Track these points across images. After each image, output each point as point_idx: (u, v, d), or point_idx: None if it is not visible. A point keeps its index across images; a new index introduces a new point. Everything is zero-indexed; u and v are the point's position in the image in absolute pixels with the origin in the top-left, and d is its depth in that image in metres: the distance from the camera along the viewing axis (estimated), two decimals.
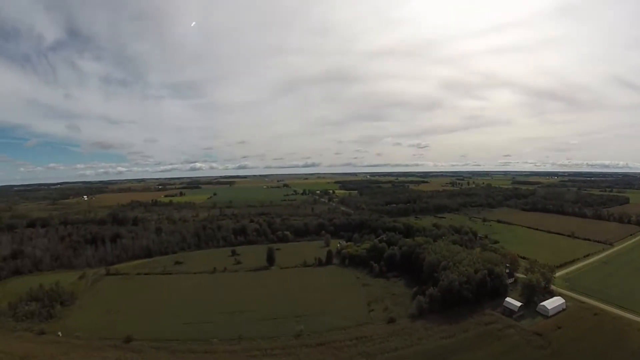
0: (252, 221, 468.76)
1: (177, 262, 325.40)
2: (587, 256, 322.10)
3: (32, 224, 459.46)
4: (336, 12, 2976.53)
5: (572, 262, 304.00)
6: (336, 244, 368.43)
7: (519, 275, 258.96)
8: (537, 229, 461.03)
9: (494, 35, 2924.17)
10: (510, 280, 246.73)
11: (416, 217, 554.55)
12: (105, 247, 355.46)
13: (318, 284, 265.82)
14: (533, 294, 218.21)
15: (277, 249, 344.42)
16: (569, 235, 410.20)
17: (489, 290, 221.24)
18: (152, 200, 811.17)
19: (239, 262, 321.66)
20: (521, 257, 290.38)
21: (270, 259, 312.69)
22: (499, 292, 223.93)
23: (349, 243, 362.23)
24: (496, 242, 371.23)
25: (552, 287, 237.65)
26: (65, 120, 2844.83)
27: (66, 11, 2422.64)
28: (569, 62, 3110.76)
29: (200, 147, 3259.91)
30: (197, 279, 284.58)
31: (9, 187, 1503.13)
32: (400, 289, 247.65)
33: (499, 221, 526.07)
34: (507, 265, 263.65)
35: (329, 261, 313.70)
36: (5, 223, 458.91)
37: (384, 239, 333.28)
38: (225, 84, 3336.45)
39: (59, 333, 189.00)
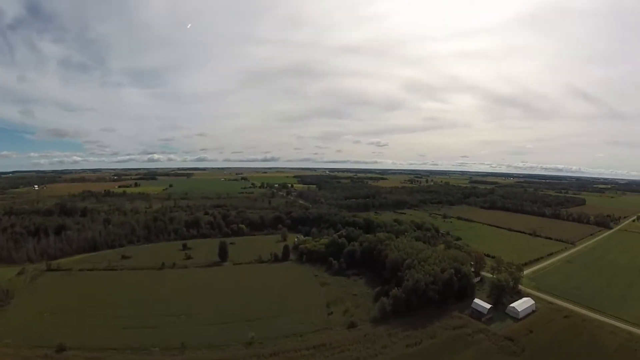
0: (206, 213, 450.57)
1: (123, 257, 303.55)
2: (550, 255, 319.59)
3: None
4: (307, 5, 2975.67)
5: (537, 260, 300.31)
6: (293, 238, 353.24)
7: (485, 274, 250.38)
8: (498, 227, 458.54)
9: (461, 40, 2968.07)
10: (476, 280, 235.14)
11: (376, 213, 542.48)
12: (48, 240, 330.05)
13: (273, 282, 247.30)
14: (502, 295, 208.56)
15: (232, 243, 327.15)
16: (530, 234, 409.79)
17: (455, 291, 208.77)
18: (105, 190, 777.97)
19: (189, 257, 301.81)
20: (486, 256, 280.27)
21: (223, 254, 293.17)
22: (466, 293, 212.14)
23: (306, 238, 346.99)
24: (458, 239, 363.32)
25: (520, 287, 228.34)
26: (20, 105, 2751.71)
27: None
28: (531, 71, 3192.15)
29: (158, 137, 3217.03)
30: (143, 275, 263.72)
31: None
32: (361, 289, 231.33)
33: (459, 218, 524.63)
34: (472, 263, 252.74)
35: (285, 257, 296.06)
36: None
37: (344, 234, 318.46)
38: (189, 72, 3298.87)
39: None
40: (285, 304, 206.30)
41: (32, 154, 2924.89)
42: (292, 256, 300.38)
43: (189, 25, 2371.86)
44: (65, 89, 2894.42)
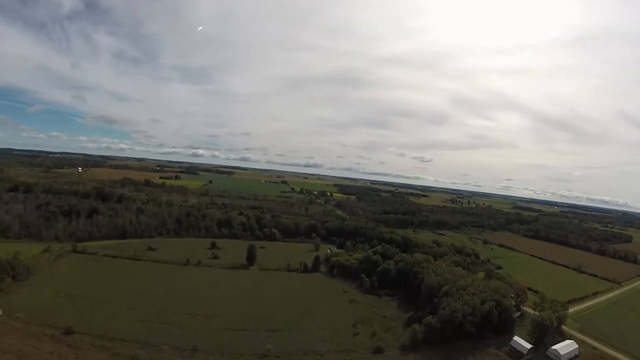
0: (240, 214, 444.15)
1: (150, 248, 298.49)
2: (595, 294, 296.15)
3: (14, 188, 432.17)
4: (353, 14, 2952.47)
5: (581, 299, 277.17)
6: (326, 249, 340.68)
7: (527, 309, 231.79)
8: (541, 259, 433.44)
9: (508, 55, 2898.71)
10: (517, 315, 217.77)
11: (414, 231, 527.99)
12: (78, 222, 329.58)
13: (299, 293, 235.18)
14: (544, 335, 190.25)
15: (261, 247, 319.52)
16: (575, 269, 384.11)
17: (494, 325, 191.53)
18: (145, 180, 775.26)
19: (216, 257, 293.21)
20: (529, 289, 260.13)
21: (251, 258, 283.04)
22: (505, 328, 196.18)
23: (339, 250, 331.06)
24: (499, 267, 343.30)
25: (563, 327, 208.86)
26: (72, 91, 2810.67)
27: None
28: (580, 93, 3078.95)
29: (204, 133, 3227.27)
30: (166, 269, 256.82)
31: (9, 151, 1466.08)
32: (392, 311, 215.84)
33: (501, 245, 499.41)
34: (513, 296, 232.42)
35: (315, 268, 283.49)
36: None
37: (379, 250, 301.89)
38: (235, 73, 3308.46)
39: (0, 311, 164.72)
40: (309, 318, 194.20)
41: (81, 138, 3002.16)
42: (322, 268, 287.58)
43: (200, 28, 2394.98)
44: (116, 80, 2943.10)
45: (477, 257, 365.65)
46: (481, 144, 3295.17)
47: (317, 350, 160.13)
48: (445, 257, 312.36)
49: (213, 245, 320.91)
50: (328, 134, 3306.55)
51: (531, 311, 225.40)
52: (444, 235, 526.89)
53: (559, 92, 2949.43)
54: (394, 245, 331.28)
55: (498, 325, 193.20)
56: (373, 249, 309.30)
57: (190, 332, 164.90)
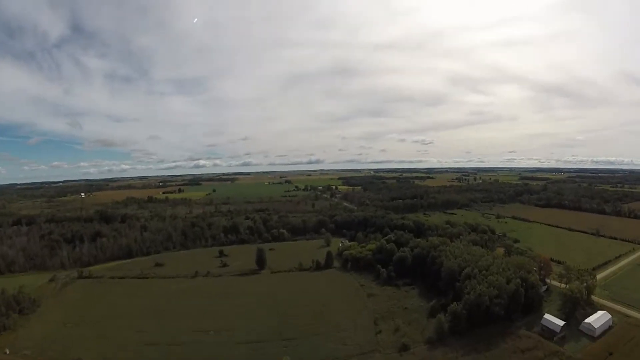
0: (247, 218, 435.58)
1: (157, 264, 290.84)
2: (618, 257, 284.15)
3: (17, 222, 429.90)
4: (341, 4, 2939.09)
5: (605, 264, 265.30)
6: (337, 243, 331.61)
7: (552, 282, 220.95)
8: (557, 227, 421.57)
9: (502, 28, 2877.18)
10: (543, 289, 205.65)
11: (425, 214, 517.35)
12: (82, 247, 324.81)
13: (314, 293, 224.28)
14: (575, 308, 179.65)
15: (271, 249, 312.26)
16: (593, 234, 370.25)
17: (521, 304, 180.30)
18: (148, 197, 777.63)
19: (225, 265, 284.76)
20: (552, 260, 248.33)
21: (261, 262, 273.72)
22: (533, 306, 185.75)
23: (352, 243, 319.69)
24: (516, 241, 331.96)
25: (593, 297, 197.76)
26: (69, 118, 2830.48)
27: (70, 6, 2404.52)
28: (579, 58, 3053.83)
29: (203, 144, 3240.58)
30: (174, 284, 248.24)
31: (12, 186, 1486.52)
32: (413, 301, 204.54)
33: (514, 217, 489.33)
34: (537, 270, 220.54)
35: (328, 264, 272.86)
36: None
37: (392, 238, 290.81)
38: (229, 79, 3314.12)
39: (6, 350, 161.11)
40: (326, 320, 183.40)
41: (82, 164, 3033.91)
42: (335, 263, 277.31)
43: (195, 19, 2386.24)
44: (111, 101, 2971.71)
45: (493, 232, 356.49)
46: (481, 120, 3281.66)
47: (337, 356, 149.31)
48: (461, 237, 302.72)
49: (221, 254, 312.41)
50: (327, 129, 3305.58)
51: (557, 284, 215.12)
52: (455, 214, 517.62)
53: (556, 59, 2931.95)
54: (406, 231, 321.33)
55: (525, 303, 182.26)
56: (386, 238, 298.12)
57: (203, 351, 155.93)
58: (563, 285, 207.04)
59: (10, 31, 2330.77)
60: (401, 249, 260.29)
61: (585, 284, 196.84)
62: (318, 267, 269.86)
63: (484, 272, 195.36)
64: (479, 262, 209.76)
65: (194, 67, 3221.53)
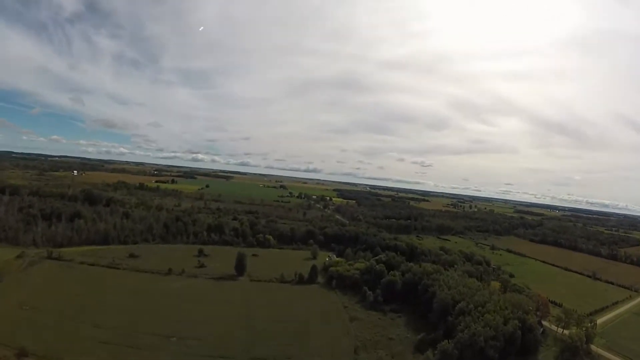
0: (234, 218, 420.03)
1: (131, 255, 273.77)
2: (615, 304, 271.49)
3: (1, 190, 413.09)
4: (355, 18, 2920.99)
5: (602, 310, 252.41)
6: (325, 257, 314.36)
7: (547, 324, 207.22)
8: (553, 265, 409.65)
9: (508, 59, 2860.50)
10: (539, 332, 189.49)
11: (418, 236, 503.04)
12: (58, 226, 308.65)
13: (293, 309, 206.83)
14: (574, 357, 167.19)
15: (254, 255, 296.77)
16: (589, 276, 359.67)
17: (517, 347, 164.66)
18: (140, 183, 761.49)
19: (202, 265, 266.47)
20: (550, 302, 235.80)
21: (240, 267, 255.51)
22: (529, 351, 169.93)
23: (339, 259, 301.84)
24: (512, 275, 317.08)
25: (592, 346, 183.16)
26: (72, 94, 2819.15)
27: None
28: (579, 97, 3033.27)
29: (204, 138, 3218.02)
30: (145, 279, 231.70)
31: (8, 153, 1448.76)
32: (399, 331, 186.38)
33: (509, 251, 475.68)
34: (532, 310, 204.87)
35: (311, 279, 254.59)
36: None
37: (383, 259, 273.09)
38: (236, 77, 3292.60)
39: None
40: (302, 342, 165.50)
41: (81, 141, 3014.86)
42: (320, 279, 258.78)
43: (201, 28, 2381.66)
44: (117, 83, 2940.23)
45: (489, 264, 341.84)
46: (481, 149, 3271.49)
47: None
48: (455, 266, 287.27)
49: (200, 253, 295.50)
50: (328, 139, 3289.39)
51: (553, 327, 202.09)
52: (449, 240, 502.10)
53: (558, 95, 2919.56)
54: (398, 253, 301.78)
55: (521, 347, 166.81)
56: (376, 258, 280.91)
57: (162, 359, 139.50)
58: (560, 330, 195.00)
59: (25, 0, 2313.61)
60: (391, 272, 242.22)
61: (585, 331, 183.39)
62: (301, 280, 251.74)
63: (480, 308, 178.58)
64: (474, 297, 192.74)
65: (203, 61, 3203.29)
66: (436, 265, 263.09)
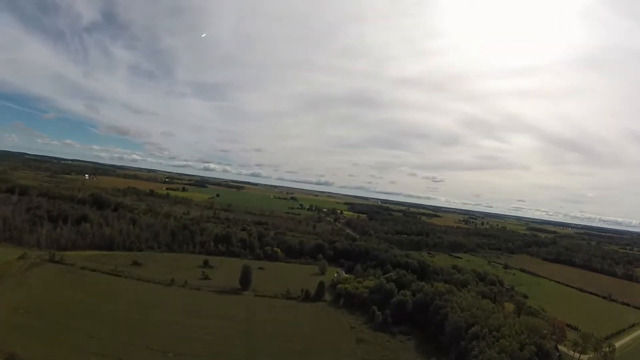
0: (243, 229, 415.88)
1: (134, 263, 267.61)
2: (632, 327, 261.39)
3: (10, 190, 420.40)
4: (369, 36, 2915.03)
5: (618, 333, 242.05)
6: (333, 272, 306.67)
7: (563, 348, 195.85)
8: (567, 285, 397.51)
9: (520, 77, 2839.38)
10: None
11: (429, 253, 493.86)
12: (64, 229, 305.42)
13: (297, 328, 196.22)
14: None
15: (260, 268, 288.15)
16: (604, 297, 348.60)
17: None
18: (150, 190, 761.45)
19: (206, 277, 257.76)
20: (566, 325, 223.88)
21: (245, 281, 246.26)
22: None
23: (348, 275, 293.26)
24: (525, 296, 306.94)
25: None
26: (87, 101, 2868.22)
27: None
28: (591, 114, 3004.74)
29: (216, 148, 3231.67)
30: (146, 289, 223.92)
31: (21, 155, 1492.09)
32: (409, 356, 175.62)
33: (522, 270, 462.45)
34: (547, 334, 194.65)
35: (318, 296, 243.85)
36: None
37: (393, 277, 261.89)
38: (249, 91, 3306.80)
39: None
40: None
41: (94, 147, 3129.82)
42: (327, 296, 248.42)
43: (204, 34, 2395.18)
44: (131, 92, 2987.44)
45: (502, 284, 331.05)
46: (493, 165, 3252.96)
47: None
48: (468, 286, 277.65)
49: (206, 264, 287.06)
50: (340, 153, 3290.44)
51: (569, 352, 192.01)
52: (461, 258, 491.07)
53: (570, 112, 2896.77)
54: (409, 271, 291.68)
55: None
56: (386, 276, 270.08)
57: None
58: (577, 355, 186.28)
59: (45, 7, 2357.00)
60: (402, 291, 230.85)
61: (603, 356, 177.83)
62: (307, 297, 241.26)
63: (495, 332, 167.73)
64: (488, 320, 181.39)
65: (217, 74, 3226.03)
66: (448, 285, 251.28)
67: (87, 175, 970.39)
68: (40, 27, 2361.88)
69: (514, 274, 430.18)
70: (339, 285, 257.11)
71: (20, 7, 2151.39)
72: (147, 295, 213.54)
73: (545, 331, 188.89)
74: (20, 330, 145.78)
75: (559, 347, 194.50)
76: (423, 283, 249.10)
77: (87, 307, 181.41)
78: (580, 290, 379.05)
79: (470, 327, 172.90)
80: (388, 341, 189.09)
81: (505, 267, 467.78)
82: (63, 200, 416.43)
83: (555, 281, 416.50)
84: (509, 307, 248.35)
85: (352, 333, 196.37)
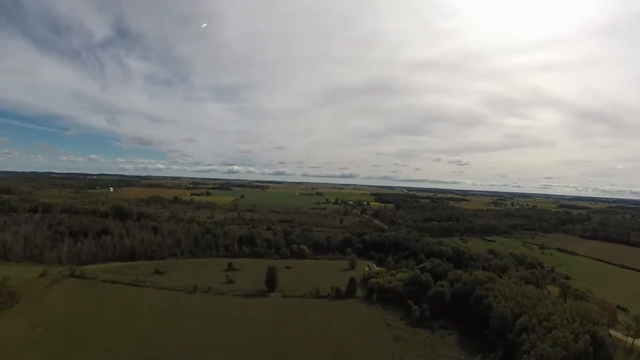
0: (268, 228, 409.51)
1: (156, 271, 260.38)
2: None
3: (34, 209, 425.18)
4: (382, 23, 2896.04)
5: None
6: (364, 266, 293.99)
7: (615, 333, 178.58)
8: (608, 263, 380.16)
9: (541, 51, 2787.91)
10: None
11: (461, 239, 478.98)
12: (84, 243, 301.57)
13: (329, 329, 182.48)
14: None
15: (287, 267, 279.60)
16: None
17: None
18: (174, 197, 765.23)
19: (230, 281, 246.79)
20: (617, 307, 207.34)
21: (271, 282, 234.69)
22: None
23: (380, 269, 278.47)
24: (567, 277, 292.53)
25: None
26: (107, 115, 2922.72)
27: (116, 10, 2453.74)
28: (617, 83, 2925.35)
29: (238, 150, 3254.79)
30: (168, 297, 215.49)
31: (48, 174, 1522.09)
32: (452, 353, 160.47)
33: (559, 249, 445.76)
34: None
35: (350, 293, 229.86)
36: (8, 206, 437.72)
37: (428, 267, 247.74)
38: (266, 90, 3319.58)
39: None
40: None
41: (118, 159, 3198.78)
42: (359, 292, 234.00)
43: (204, 25, 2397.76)
44: (150, 102, 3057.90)
45: (543, 267, 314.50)
46: (518, 144, 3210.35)
47: None
48: (508, 271, 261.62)
49: (230, 267, 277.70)
50: (362, 144, 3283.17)
51: (622, 337, 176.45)
52: (495, 242, 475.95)
53: (594, 83, 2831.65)
54: (444, 259, 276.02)
55: None
56: (420, 266, 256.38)
57: None
58: (630, 340, 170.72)
59: (58, 29, 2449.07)
60: (438, 282, 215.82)
61: None
62: (338, 295, 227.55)
63: (545, 322, 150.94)
64: (536, 308, 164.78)
65: (233, 77, 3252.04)
66: (487, 271, 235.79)
67: (112, 188, 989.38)
68: (55, 48, 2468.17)
69: (551, 254, 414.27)
70: (371, 280, 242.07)
71: (33, 31, 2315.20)
72: (169, 305, 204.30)
73: (598, 317, 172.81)
74: (37, 349, 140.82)
75: (611, 332, 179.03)
76: (460, 271, 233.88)
77: (107, 320, 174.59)
78: (622, 267, 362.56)
79: (518, 318, 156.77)
80: (427, 337, 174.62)
81: (542, 247, 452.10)
82: (85, 214, 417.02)
83: (595, 259, 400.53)
84: (554, 291, 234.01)
85: (389, 330, 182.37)
